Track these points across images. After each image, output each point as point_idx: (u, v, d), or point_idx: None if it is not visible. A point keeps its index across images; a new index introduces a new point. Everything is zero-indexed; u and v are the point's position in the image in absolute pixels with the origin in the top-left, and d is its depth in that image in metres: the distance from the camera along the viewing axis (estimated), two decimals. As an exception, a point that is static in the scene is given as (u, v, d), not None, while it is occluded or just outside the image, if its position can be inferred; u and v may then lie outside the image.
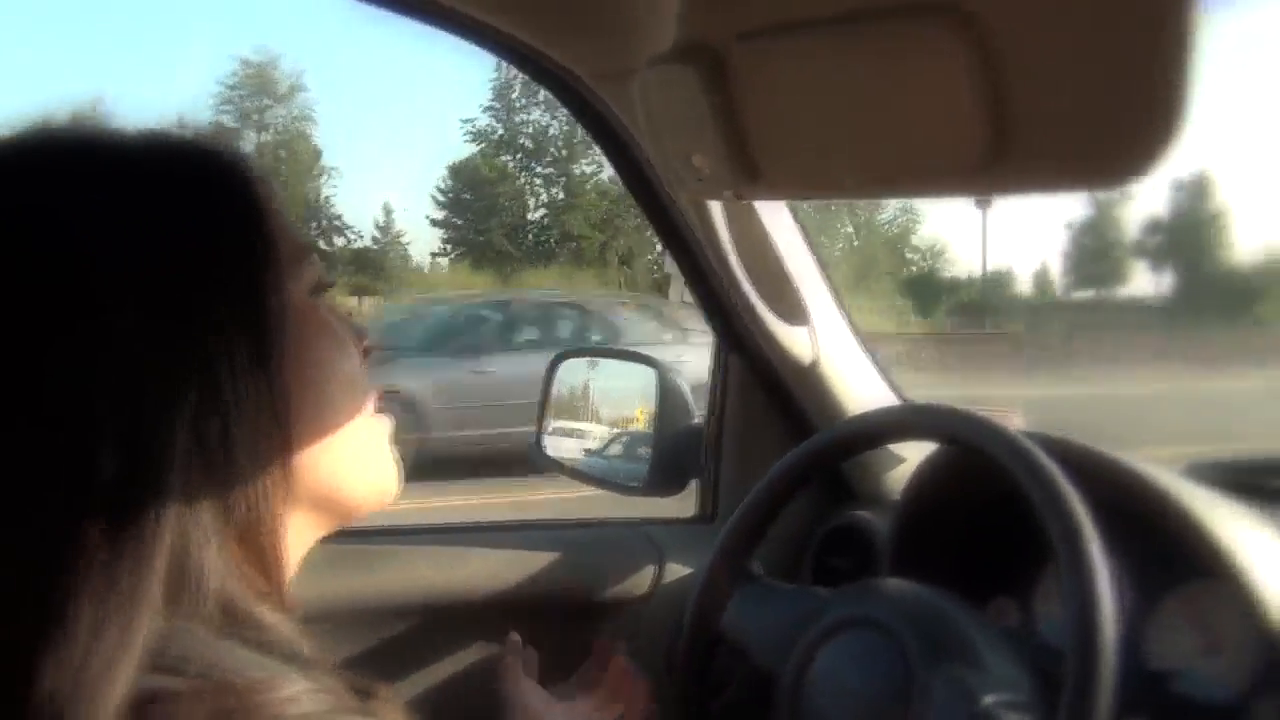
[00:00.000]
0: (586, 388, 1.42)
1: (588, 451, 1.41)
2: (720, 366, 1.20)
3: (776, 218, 1.03)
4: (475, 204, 29.12)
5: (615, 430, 1.38)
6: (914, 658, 0.77)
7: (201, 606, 0.49)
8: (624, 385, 1.38)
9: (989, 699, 0.72)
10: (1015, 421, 0.86)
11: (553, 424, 1.38)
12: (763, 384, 1.16)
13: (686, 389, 1.26)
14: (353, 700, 0.53)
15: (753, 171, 0.73)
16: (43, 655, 0.44)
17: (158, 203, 0.52)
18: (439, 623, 1.09)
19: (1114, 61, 0.40)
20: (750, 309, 1.07)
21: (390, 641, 1.06)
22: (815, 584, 1.12)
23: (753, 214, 1.01)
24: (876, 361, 1.16)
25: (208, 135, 0.57)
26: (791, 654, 0.85)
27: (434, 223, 30.13)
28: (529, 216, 29.87)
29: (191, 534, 0.49)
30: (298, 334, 0.55)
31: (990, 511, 0.95)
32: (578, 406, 1.42)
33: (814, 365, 1.11)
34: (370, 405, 0.62)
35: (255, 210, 0.55)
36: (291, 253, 0.57)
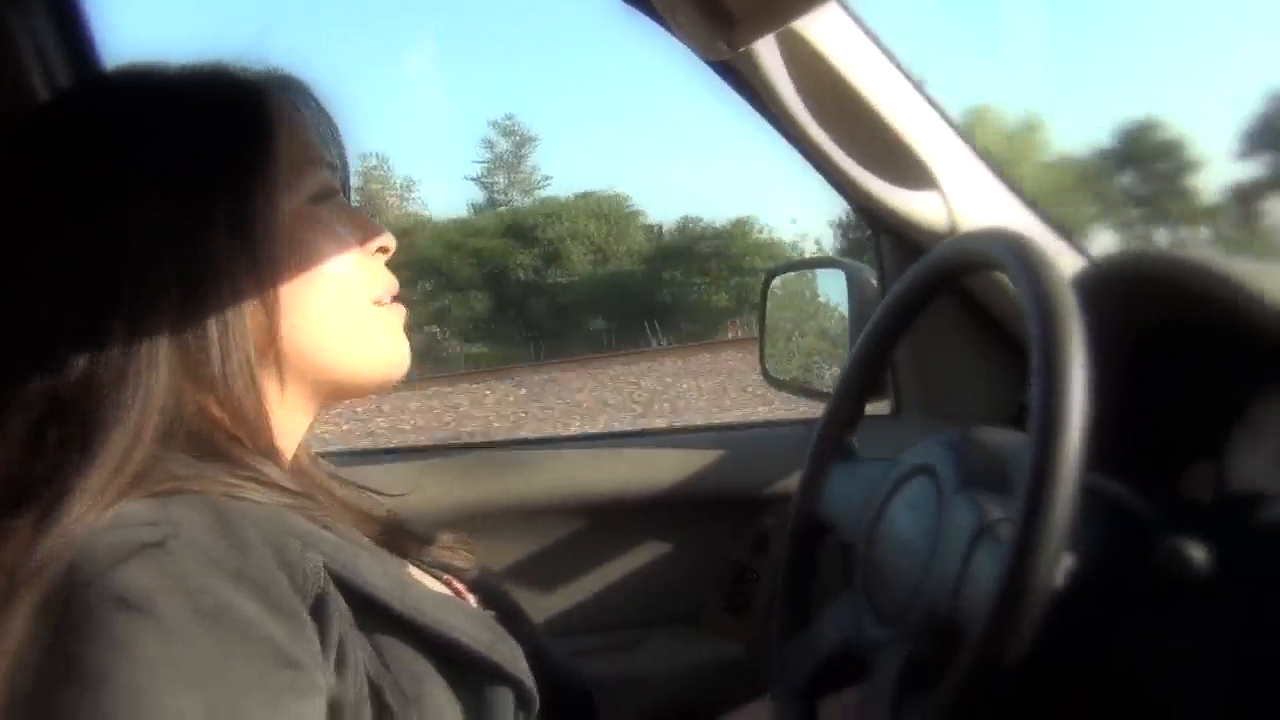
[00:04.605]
0: (799, 301, 1.41)
1: (805, 367, 1.39)
2: (877, 250, 1.14)
3: (862, 78, 0.97)
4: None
5: (825, 340, 1.36)
6: (946, 489, 0.72)
7: (177, 440, 0.58)
8: (831, 292, 1.34)
9: (997, 514, 0.65)
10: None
11: (771, 343, 1.39)
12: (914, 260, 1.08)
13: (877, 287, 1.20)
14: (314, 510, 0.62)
15: (726, 16, 0.74)
16: (57, 480, 0.53)
17: (176, 122, 0.63)
18: (605, 522, 1.16)
19: None
20: (866, 181, 1.02)
21: (561, 542, 1.16)
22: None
23: (841, 82, 0.97)
24: (1045, 217, 1.03)
25: (243, 69, 0.68)
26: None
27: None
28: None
29: (177, 384, 0.60)
30: (290, 233, 0.64)
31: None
32: (791, 321, 1.41)
33: (953, 233, 1.01)
34: (384, 295, 0.70)
35: (256, 132, 0.64)
36: (294, 166, 0.66)
